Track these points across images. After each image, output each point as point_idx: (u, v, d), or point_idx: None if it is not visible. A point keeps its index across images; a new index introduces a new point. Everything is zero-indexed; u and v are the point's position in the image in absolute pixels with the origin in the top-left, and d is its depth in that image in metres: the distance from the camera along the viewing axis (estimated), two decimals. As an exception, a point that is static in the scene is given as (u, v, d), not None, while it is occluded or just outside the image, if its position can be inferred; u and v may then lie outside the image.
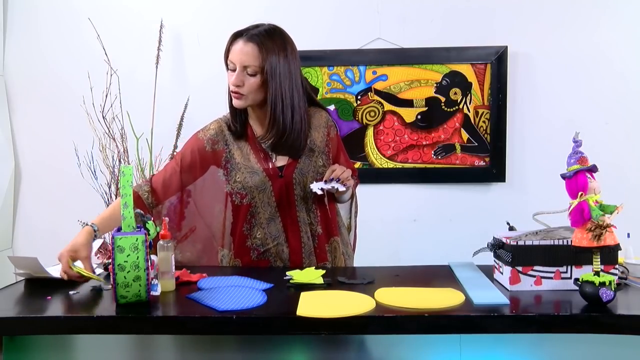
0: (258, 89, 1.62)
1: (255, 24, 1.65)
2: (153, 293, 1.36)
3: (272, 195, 1.70)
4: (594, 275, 1.25)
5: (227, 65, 1.65)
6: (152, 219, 1.47)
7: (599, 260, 1.26)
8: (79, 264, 1.47)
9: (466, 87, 2.64)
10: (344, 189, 1.65)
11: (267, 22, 1.67)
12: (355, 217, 1.88)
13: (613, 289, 1.24)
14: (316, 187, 1.64)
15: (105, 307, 1.32)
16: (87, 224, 1.58)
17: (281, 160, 1.72)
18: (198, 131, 1.78)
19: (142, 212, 1.48)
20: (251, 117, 1.75)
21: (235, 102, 1.65)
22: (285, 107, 1.63)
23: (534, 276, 1.38)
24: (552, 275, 1.38)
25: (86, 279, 1.47)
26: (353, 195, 1.84)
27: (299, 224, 1.71)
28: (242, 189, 1.70)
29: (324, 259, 1.74)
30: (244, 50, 1.59)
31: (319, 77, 2.68)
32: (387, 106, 2.67)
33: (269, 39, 1.60)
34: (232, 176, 1.71)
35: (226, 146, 1.73)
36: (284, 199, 1.70)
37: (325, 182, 1.64)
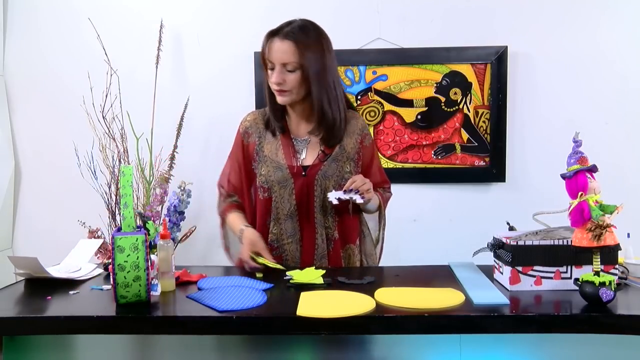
0: (300, 85, 1.65)
1: (288, 21, 1.68)
2: (153, 293, 1.36)
3: (292, 192, 1.71)
4: (594, 275, 1.25)
5: (265, 65, 1.68)
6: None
7: (599, 260, 1.26)
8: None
9: (466, 87, 2.64)
10: (361, 201, 1.64)
11: (299, 18, 1.70)
12: (383, 230, 1.86)
13: (613, 289, 1.24)
14: (333, 196, 1.64)
15: (105, 307, 1.32)
16: (93, 230, 1.60)
17: (309, 160, 1.73)
18: (239, 124, 1.84)
19: (142, 212, 1.48)
20: (290, 114, 1.77)
21: (280, 99, 1.68)
22: (331, 99, 1.68)
23: (534, 276, 1.38)
24: (552, 275, 1.38)
25: (270, 269, 1.60)
26: (381, 208, 1.82)
27: (315, 225, 1.72)
28: (265, 183, 1.73)
29: (338, 264, 1.74)
30: (281, 49, 1.62)
31: (319, 77, 2.67)
32: (387, 106, 2.67)
33: (303, 34, 1.64)
34: (259, 169, 1.75)
35: (258, 138, 1.77)
36: (304, 198, 1.71)
37: (345, 192, 1.63)
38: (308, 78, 1.63)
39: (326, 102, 1.67)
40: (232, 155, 1.83)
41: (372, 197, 1.70)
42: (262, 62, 1.68)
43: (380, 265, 1.86)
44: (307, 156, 1.74)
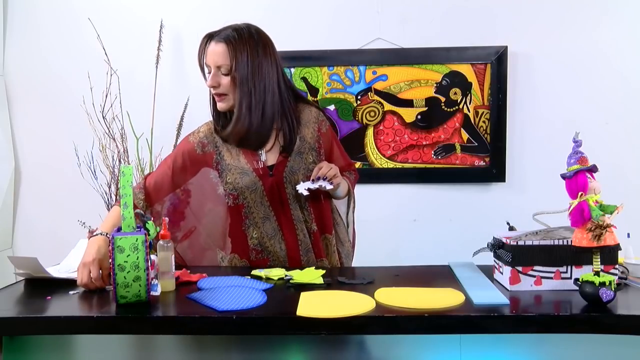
0: (235, 88, 1.63)
1: (226, 26, 1.67)
2: (153, 293, 1.36)
3: (264, 194, 1.70)
4: (594, 275, 1.25)
5: (202, 70, 1.67)
6: (152, 219, 1.47)
7: (599, 260, 1.26)
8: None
9: (466, 87, 2.64)
10: (331, 187, 1.64)
11: (242, 22, 1.69)
12: (353, 212, 1.87)
13: (613, 289, 1.24)
14: (302, 188, 1.63)
15: (105, 307, 1.32)
16: (92, 230, 1.57)
17: (271, 159, 1.72)
18: (189, 134, 1.79)
19: (142, 212, 1.48)
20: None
21: (219, 105, 1.68)
22: (253, 105, 1.63)
23: (534, 276, 1.38)
24: (552, 275, 1.38)
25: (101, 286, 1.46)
26: (350, 191, 1.82)
27: (293, 222, 1.72)
28: (233, 190, 1.71)
29: (321, 255, 1.75)
30: (215, 51, 1.61)
31: (319, 77, 2.68)
32: (387, 106, 2.67)
33: (238, 37, 1.62)
34: (223, 177, 1.72)
35: (216, 148, 1.74)
36: (277, 198, 1.70)
37: (312, 181, 1.63)
38: (235, 80, 1.62)
39: (245, 106, 1.63)
40: (167, 161, 1.76)
41: (341, 182, 1.70)
42: (199, 67, 1.67)
43: (380, 265, 1.86)
44: (268, 156, 1.72)
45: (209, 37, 1.64)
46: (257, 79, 1.62)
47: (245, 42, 1.62)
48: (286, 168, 1.70)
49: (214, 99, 1.70)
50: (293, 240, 1.71)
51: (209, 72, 1.64)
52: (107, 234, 1.50)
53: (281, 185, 1.70)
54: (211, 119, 1.79)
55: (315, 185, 1.62)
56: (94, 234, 1.53)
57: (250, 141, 1.69)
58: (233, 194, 1.71)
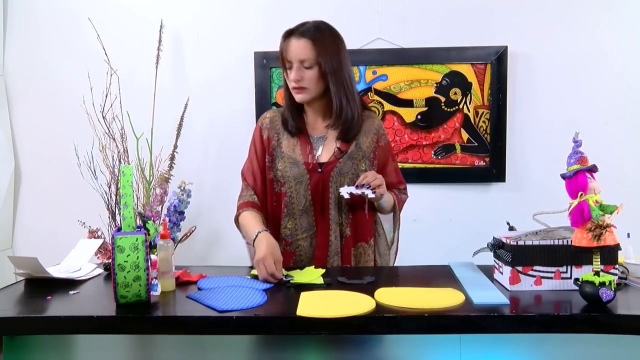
0: (317, 81, 1.69)
1: (302, 22, 1.72)
2: (153, 293, 1.36)
3: (308, 188, 1.73)
4: (594, 275, 1.25)
5: (284, 65, 1.72)
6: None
7: (599, 260, 1.26)
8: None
9: (466, 87, 2.64)
10: (373, 196, 1.64)
11: (312, 20, 1.73)
12: (398, 231, 1.86)
13: (613, 289, 1.24)
14: (345, 191, 1.65)
15: (105, 307, 1.32)
16: (93, 230, 1.59)
17: (325, 157, 1.75)
18: (258, 120, 1.87)
19: (142, 212, 1.48)
20: (307, 111, 1.79)
21: (298, 97, 1.71)
22: (349, 95, 1.71)
23: (534, 276, 1.38)
24: (552, 275, 1.38)
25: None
26: (396, 209, 1.81)
27: (329, 221, 1.73)
28: (281, 177, 1.75)
29: (348, 262, 1.75)
30: (298, 46, 1.66)
31: (319, 77, 2.67)
32: (387, 106, 2.67)
33: (319, 32, 1.69)
34: (275, 164, 1.77)
35: (277, 134, 1.80)
36: (319, 195, 1.73)
37: (356, 187, 1.64)
38: (325, 75, 1.67)
39: (344, 98, 1.71)
40: (250, 150, 1.84)
41: (385, 194, 1.70)
42: (281, 62, 1.72)
43: (379, 265, 1.86)
44: (323, 153, 1.76)
45: (289, 34, 1.70)
46: (345, 70, 1.71)
47: (327, 36, 1.70)
48: (335, 168, 1.73)
49: (288, 94, 1.75)
50: (324, 240, 1.72)
51: (290, 68, 1.69)
52: (264, 229, 1.61)
53: (326, 183, 1.73)
54: (274, 108, 1.84)
55: (358, 192, 1.63)
56: (256, 234, 1.59)
57: (352, 131, 1.75)
58: (280, 181, 1.75)
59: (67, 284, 1.50)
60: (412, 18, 2.64)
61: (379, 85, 2.66)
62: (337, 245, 1.73)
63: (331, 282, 1.49)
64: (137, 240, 1.27)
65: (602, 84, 2.61)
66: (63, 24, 2.72)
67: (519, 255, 1.38)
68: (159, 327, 1.28)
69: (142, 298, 1.30)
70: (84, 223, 2.44)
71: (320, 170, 1.73)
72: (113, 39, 2.63)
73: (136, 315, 1.26)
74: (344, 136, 1.75)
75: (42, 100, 2.75)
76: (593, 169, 1.29)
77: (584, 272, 1.33)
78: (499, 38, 2.61)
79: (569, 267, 1.38)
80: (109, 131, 2.57)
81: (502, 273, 1.44)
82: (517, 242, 1.39)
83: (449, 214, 2.69)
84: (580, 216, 1.26)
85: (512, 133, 2.65)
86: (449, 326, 1.23)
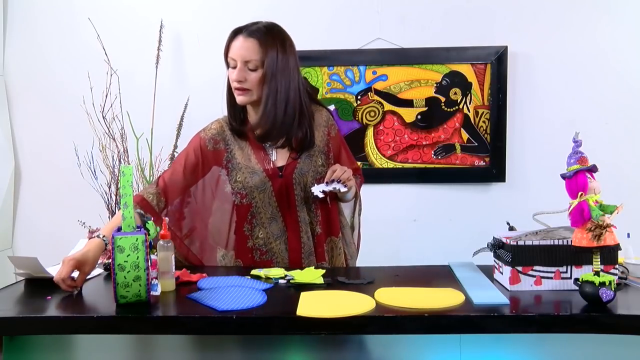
0: (260, 84, 1.63)
1: (253, 22, 1.67)
2: (153, 293, 1.36)
3: (272, 195, 1.70)
4: (594, 275, 1.25)
5: (227, 63, 1.66)
6: (152, 219, 1.46)
7: (599, 260, 1.26)
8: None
9: (466, 87, 2.64)
10: (345, 189, 1.64)
11: (264, 20, 1.69)
12: (359, 215, 1.87)
13: (613, 289, 1.24)
14: (317, 190, 1.64)
15: (105, 307, 1.32)
16: (92, 230, 1.57)
17: (281, 160, 1.73)
18: (200, 131, 1.79)
19: (142, 212, 1.48)
20: (250, 116, 1.75)
21: (239, 99, 1.66)
22: (279, 101, 1.64)
23: (534, 276, 1.38)
24: (552, 275, 1.38)
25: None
26: (357, 194, 1.83)
27: (299, 223, 1.72)
28: (242, 189, 1.71)
29: (323, 259, 1.75)
30: (244, 46, 1.61)
31: (319, 77, 2.68)
32: (387, 106, 2.67)
33: (268, 34, 1.63)
34: (232, 176, 1.72)
35: (227, 146, 1.74)
36: (284, 199, 1.71)
37: (327, 183, 1.64)
38: (266, 76, 1.62)
39: (271, 103, 1.64)
40: (179, 158, 1.75)
41: (353, 185, 1.70)
42: (225, 60, 1.67)
43: (380, 265, 1.86)
44: (278, 157, 1.73)
45: (237, 32, 1.64)
46: (284, 76, 1.64)
47: (275, 38, 1.64)
48: (296, 170, 1.71)
49: (230, 93, 1.70)
50: (296, 242, 1.72)
51: (234, 67, 1.64)
52: (104, 237, 1.49)
53: (290, 186, 1.70)
54: (222, 115, 1.79)
55: (330, 188, 1.63)
56: (94, 235, 1.52)
57: (272, 136, 1.69)
58: (241, 193, 1.72)
59: (67, 284, 1.50)
60: (412, 18, 2.64)
61: (379, 85, 2.66)
62: (310, 246, 1.72)
63: (331, 282, 1.49)
64: (137, 240, 1.27)
65: (602, 84, 2.61)
66: (63, 24, 2.73)
67: (519, 255, 1.38)
68: (159, 327, 1.27)
69: (142, 298, 1.30)
70: (84, 223, 2.44)
71: (281, 174, 1.70)
72: (113, 39, 2.63)
73: (136, 315, 1.26)
74: (263, 140, 1.70)
75: (42, 100, 2.75)
76: (593, 169, 1.29)
77: (584, 272, 1.32)
78: (499, 38, 2.61)
79: (569, 267, 1.38)
80: (109, 131, 2.57)
81: (502, 273, 1.44)
82: (517, 242, 1.39)
83: (449, 214, 2.69)
84: (580, 216, 1.26)
85: (512, 133, 2.65)
86: (449, 326, 1.23)
